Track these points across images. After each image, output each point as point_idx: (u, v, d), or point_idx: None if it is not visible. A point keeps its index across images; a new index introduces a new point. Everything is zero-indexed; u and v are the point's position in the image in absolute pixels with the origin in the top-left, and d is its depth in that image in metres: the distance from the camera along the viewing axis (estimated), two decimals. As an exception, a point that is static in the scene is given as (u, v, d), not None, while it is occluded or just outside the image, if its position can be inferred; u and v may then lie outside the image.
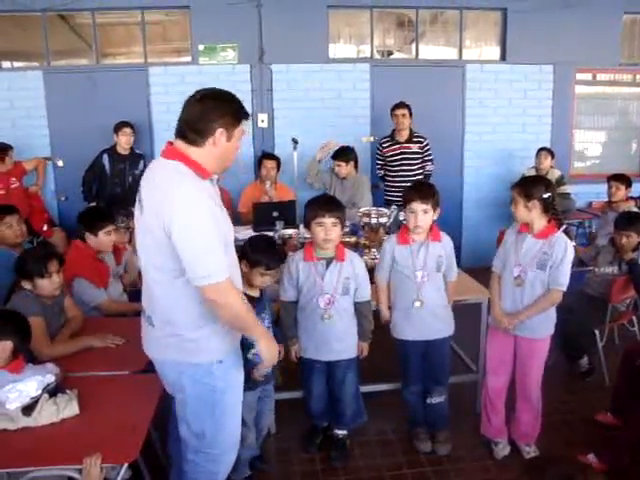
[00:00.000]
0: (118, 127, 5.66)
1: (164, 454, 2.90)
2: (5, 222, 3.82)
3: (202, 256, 2.03)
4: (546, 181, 3.05)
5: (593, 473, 1.37)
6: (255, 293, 2.81)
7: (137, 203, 2.20)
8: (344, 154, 5.38)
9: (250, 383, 2.75)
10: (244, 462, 2.95)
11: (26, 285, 2.97)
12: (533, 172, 6.20)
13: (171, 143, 2.16)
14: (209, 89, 2.16)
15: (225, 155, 2.16)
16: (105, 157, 5.67)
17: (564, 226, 3.07)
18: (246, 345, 2.72)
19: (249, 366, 2.73)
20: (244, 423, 2.84)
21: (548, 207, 2.91)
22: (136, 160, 5.77)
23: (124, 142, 5.67)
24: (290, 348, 3.09)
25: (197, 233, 2.02)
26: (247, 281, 2.75)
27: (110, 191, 5.65)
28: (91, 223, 3.66)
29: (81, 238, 3.66)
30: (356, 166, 5.49)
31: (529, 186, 2.93)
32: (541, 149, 6.36)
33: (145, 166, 5.65)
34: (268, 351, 2.28)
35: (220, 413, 2.30)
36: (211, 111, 2.08)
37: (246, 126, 2.23)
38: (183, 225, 2.00)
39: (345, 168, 5.36)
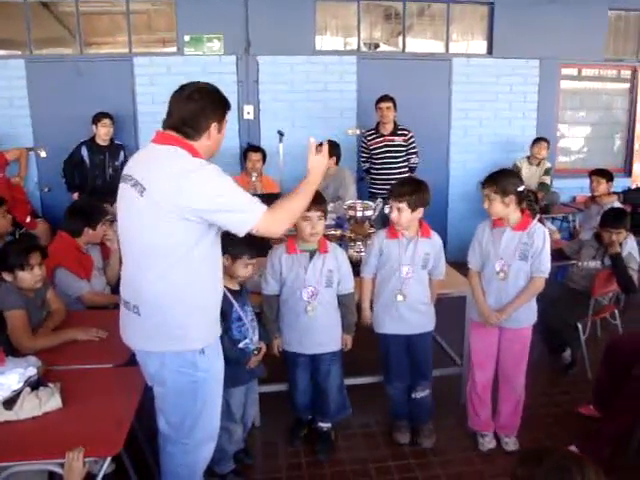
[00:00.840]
0: (97, 118, 5.58)
1: (149, 448, 2.89)
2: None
3: (235, 203, 2.11)
4: (516, 173, 3.08)
5: (587, 465, 1.38)
6: (235, 286, 2.81)
7: (130, 188, 2.17)
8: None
9: (237, 380, 2.78)
10: (230, 456, 2.95)
11: (7, 277, 2.93)
12: (526, 162, 6.25)
13: (162, 132, 2.20)
14: (197, 84, 2.22)
15: (215, 145, 2.27)
16: (84, 149, 5.60)
17: (538, 215, 3.11)
18: (235, 339, 2.72)
19: (241, 358, 2.74)
20: (233, 419, 2.86)
21: (522, 199, 2.95)
22: (116, 151, 5.69)
23: (103, 134, 5.60)
24: (272, 342, 3.08)
25: (221, 189, 2.10)
26: (229, 274, 2.75)
27: (91, 183, 5.59)
28: (91, 217, 3.68)
29: (76, 232, 3.64)
30: (337, 162, 5.47)
31: (504, 182, 2.93)
32: (539, 139, 6.38)
33: (126, 157, 5.62)
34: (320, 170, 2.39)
35: (201, 404, 2.31)
36: (207, 108, 2.18)
37: (228, 115, 2.32)
38: (207, 188, 2.07)
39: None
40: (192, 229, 2.11)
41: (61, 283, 3.44)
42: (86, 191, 5.57)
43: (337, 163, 5.45)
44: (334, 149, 5.38)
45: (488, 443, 3.26)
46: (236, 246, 2.71)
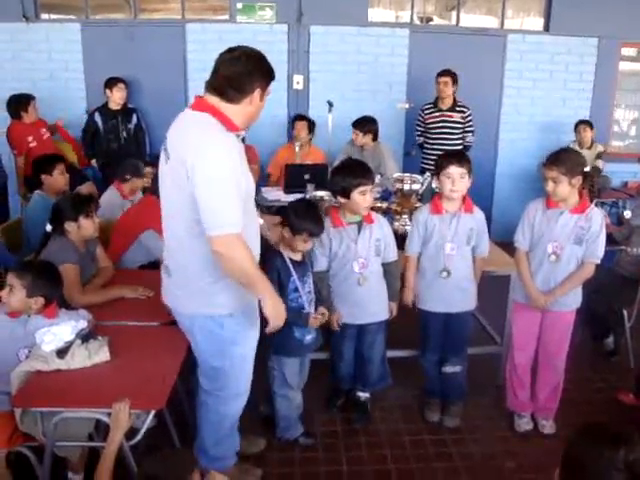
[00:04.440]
0: (112, 83, 5.65)
1: (189, 407, 2.97)
2: (59, 168, 3.97)
3: (219, 207, 2.08)
4: (580, 153, 2.99)
5: None
6: (298, 257, 2.84)
7: (162, 153, 2.25)
8: (361, 124, 5.30)
9: (290, 351, 2.87)
10: (295, 421, 3.04)
11: (70, 227, 3.03)
12: (576, 146, 6.09)
13: (200, 97, 2.21)
14: (246, 48, 2.21)
15: (255, 113, 2.25)
16: (97, 115, 5.69)
17: (595, 200, 3.03)
18: (290, 306, 2.75)
19: (297, 319, 2.79)
20: (290, 386, 2.94)
21: (587, 180, 2.87)
22: (129, 114, 5.77)
23: (119, 98, 5.67)
24: (331, 317, 3.05)
25: (217, 185, 2.06)
26: (290, 246, 2.79)
27: (106, 148, 5.70)
28: None
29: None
30: (375, 138, 5.38)
31: (571, 162, 2.83)
32: (580, 122, 6.23)
33: (139, 119, 5.79)
34: (273, 309, 2.24)
35: (229, 365, 2.41)
36: (255, 71, 2.15)
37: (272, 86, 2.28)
38: (205, 176, 2.06)
39: (361, 138, 5.29)
40: None
41: (148, 244, 3.53)
42: (101, 156, 5.69)
43: (375, 139, 5.38)
44: (369, 124, 5.32)
45: (525, 424, 3.24)
46: (300, 222, 2.73)
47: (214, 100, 2.16)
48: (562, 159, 2.85)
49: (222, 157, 2.08)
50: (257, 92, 2.16)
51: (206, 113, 2.14)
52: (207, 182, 2.05)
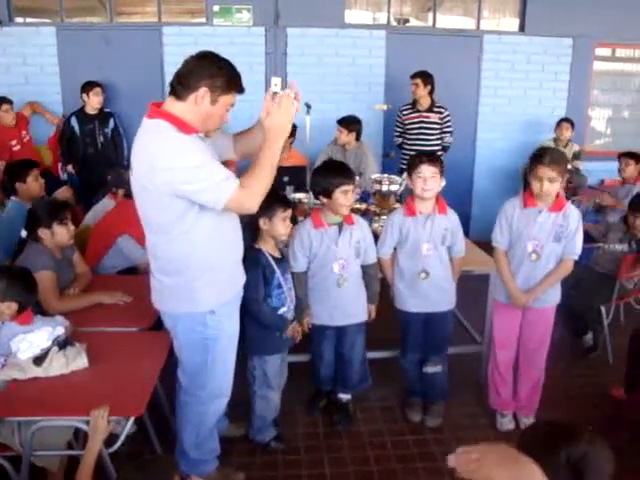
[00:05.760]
0: (89, 87, 5.59)
1: (170, 411, 2.94)
2: (33, 174, 3.92)
3: (208, 190, 2.10)
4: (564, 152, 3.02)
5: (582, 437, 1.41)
6: (277, 254, 2.85)
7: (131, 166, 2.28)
8: (347, 122, 5.31)
9: (274, 348, 2.87)
10: (269, 423, 3.03)
11: (43, 234, 2.99)
12: (552, 144, 6.12)
13: (154, 104, 2.22)
14: (209, 51, 2.21)
15: (207, 117, 2.19)
16: (73, 120, 5.65)
17: (571, 198, 3.06)
18: (273, 306, 2.79)
19: (281, 324, 2.83)
20: (271, 387, 2.93)
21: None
22: (106, 118, 5.73)
23: (96, 102, 5.63)
24: (303, 320, 3.08)
25: (195, 173, 2.09)
26: (272, 236, 2.79)
27: (83, 152, 5.66)
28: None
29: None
30: (358, 137, 5.39)
31: (564, 162, 2.88)
32: (562, 120, 6.25)
33: (116, 124, 5.76)
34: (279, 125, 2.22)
35: (211, 360, 2.43)
36: (202, 69, 2.14)
37: (236, 99, 2.25)
38: (182, 174, 2.08)
39: (345, 136, 5.29)
40: (178, 203, 2.14)
41: (125, 249, 3.54)
42: (77, 161, 5.65)
43: (357, 139, 5.38)
44: (355, 123, 5.33)
45: (507, 423, 3.26)
46: (266, 206, 2.69)
47: (169, 101, 2.19)
48: (558, 159, 2.86)
49: (184, 149, 2.10)
50: (203, 91, 2.12)
51: (160, 119, 2.14)
52: (186, 179, 2.08)
